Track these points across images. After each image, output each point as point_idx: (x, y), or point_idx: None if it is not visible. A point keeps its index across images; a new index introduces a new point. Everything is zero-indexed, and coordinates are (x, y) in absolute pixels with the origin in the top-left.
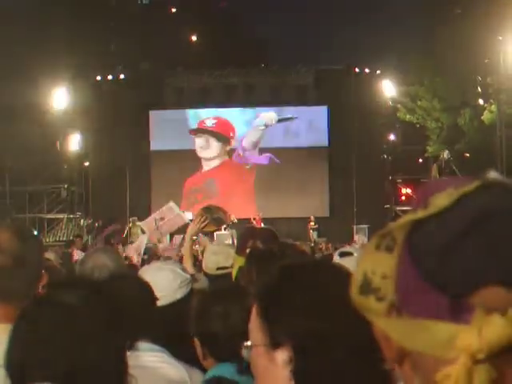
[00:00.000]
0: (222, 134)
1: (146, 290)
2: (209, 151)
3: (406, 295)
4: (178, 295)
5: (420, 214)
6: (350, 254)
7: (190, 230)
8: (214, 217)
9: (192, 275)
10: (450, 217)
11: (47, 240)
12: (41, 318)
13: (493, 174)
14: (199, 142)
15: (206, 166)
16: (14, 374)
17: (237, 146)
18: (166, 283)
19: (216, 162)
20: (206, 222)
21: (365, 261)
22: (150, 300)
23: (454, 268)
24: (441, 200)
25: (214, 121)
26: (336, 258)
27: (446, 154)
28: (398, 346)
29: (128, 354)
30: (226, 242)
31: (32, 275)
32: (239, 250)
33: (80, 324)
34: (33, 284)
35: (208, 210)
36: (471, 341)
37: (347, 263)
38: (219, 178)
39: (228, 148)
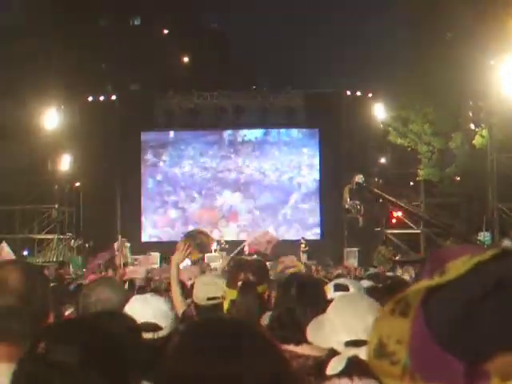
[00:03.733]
0: None
1: (134, 326)
2: None
3: (420, 360)
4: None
5: (435, 280)
6: (345, 287)
7: (175, 257)
8: (197, 242)
9: None
10: (466, 285)
11: (37, 260)
12: (38, 378)
13: (507, 243)
14: None
15: None
16: None
17: None
18: (168, 312)
19: None
20: (190, 250)
21: (380, 325)
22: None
23: (470, 336)
24: (456, 267)
25: None
26: (330, 290)
27: (358, 178)
28: None
29: None
30: (217, 263)
31: (38, 315)
32: (230, 283)
33: (80, 382)
34: (38, 324)
35: (190, 236)
36: None
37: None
38: None
39: None
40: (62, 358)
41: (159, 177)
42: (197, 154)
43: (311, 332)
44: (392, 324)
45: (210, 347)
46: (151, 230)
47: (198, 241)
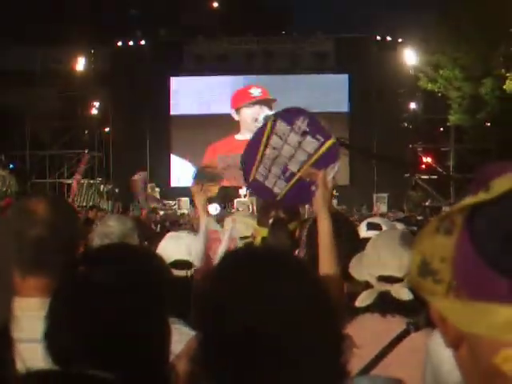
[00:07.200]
0: (269, 101)
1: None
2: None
3: (465, 278)
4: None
5: (480, 197)
6: (377, 225)
7: (197, 202)
8: (207, 178)
9: None
10: (510, 201)
11: None
12: (79, 299)
13: None
14: (252, 112)
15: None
16: (56, 356)
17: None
18: (201, 251)
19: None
20: (204, 188)
21: (423, 243)
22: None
23: None
24: (501, 184)
25: (259, 89)
26: (363, 229)
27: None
28: (455, 328)
29: None
30: (245, 209)
31: (68, 245)
32: (261, 222)
33: (121, 302)
34: (69, 255)
35: (198, 177)
36: None
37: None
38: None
39: None
40: (101, 279)
41: (188, 123)
42: (226, 99)
43: (351, 265)
44: (436, 242)
45: (248, 272)
46: (180, 175)
47: (207, 176)
